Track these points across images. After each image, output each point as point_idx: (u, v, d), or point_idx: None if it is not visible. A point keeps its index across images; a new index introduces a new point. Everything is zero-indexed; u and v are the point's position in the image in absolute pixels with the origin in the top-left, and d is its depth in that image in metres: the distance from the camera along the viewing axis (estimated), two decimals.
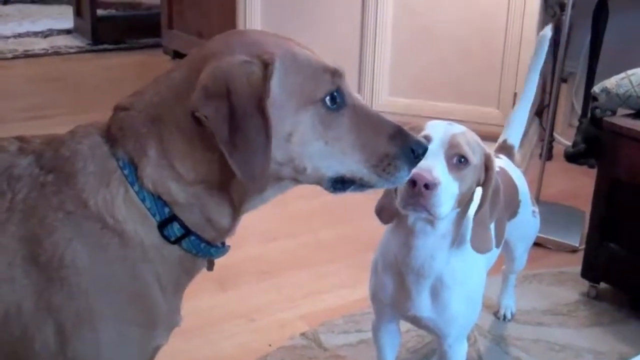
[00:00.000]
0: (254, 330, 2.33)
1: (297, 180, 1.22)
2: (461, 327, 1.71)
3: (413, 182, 1.43)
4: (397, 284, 1.65)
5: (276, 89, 1.14)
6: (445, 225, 1.56)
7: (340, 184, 1.22)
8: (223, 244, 1.28)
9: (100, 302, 1.16)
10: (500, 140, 2.12)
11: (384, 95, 3.68)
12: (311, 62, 1.19)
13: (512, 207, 1.89)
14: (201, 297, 2.36)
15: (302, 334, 2.29)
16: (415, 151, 1.23)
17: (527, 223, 2.04)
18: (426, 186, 1.43)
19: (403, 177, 1.23)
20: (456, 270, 1.61)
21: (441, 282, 1.61)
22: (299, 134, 1.16)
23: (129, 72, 5.36)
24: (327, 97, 1.17)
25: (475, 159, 1.52)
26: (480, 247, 1.59)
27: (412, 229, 1.56)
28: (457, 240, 1.60)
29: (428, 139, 1.47)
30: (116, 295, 1.18)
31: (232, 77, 1.11)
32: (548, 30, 2.12)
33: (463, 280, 1.62)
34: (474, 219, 1.58)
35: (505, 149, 2.08)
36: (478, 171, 1.55)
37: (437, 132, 1.51)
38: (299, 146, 1.16)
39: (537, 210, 2.11)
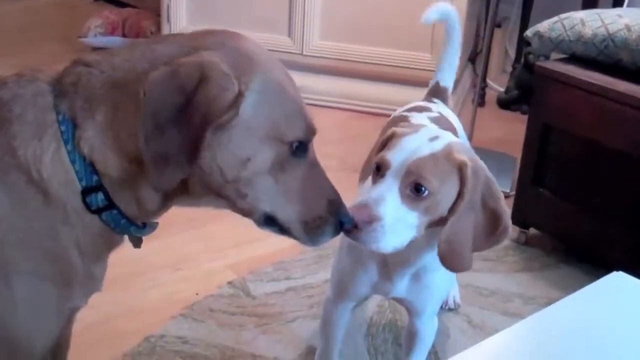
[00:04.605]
0: (181, 279, 2.28)
1: (233, 204, 1.18)
2: (436, 303, 1.67)
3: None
4: (380, 269, 1.57)
5: (249, 111, 1.10)
6: (417, 239, 1.42)
7: (270, 220, 1.21)
8: (144, 225, 1.24)
9: (16, 256, 1.11)
10: (432, 83, 2.06)
11: (314, 39, 3.61)
12: (295, 103, 1.18)
13: None
14: (125, 247, 2.27)
15: (230, 283, 2.25)
16: (343, 224, 1.25)
17: None
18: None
19: (323, 242, 1.25)
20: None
21: (424, 268, 1.54)
22: (255, 162, 1.13)
23: (48, 14, 5.13)
24: (296, 143, 1.16)
25: (443, 188, 1.36)
26: (455, 265, 1.43)
27: None
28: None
29: (387, 164, 1.38)
30: (33, 252, 1.12)
31: (207, 82, 1.06)
32: None
33: None
34: (442, 235, 1.39)
35: (439, 92, 2.02)
36: (451, 196, 1.38)
37: (400, 154, 1.37)
38: (251, 173, 1.14)
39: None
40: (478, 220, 1.40)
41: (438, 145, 1.39)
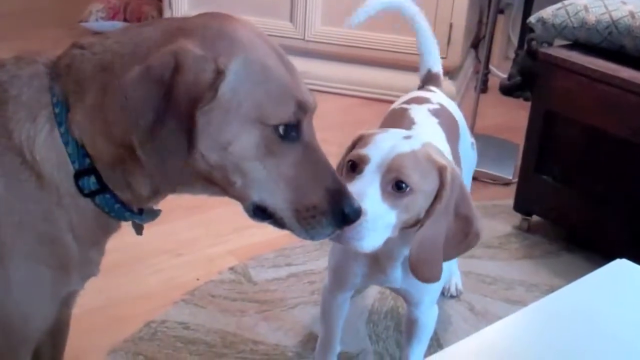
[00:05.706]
0: (182, 265, 2.28)
1: (225, 191, 1.15)
2: (433, 293, 1.66)
3: None
4: (371, 261, 1.56)
5: (227, 93, 1.06)
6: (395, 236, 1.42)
7: (260, 211, 1.16)
8: (141, 211, 1.21)
9: (11, 238, 1.10)
10: (423, 71, 2.03)
11: (316, 24, 3.59)
12: (280, 82, 1.11)
13: (453, 141, 1.82)
14: (126, 232, 2.27)
15: (231, 269, 2.25)
16: (347, 216, 1.17)
17: (466, 155, 1.97)
18: None
19: (324, 235, 1.17)
20: None
21: None
22: (238, 146, 1.09)
23: None
24: (282, 127, 1.10)
25: (423, 185, 1.36)
26: (424, 274, 1.42)
27: None
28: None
29: (365, 160, 1.36)
30: (28, 234, 1.12)
31: (182, 68, 1.03)
32: None
33: None
34: (415, 239, 1.39)
35: (433, 79, 1.99)
36: (429, 196, 1.39)
37: (379, 151, 1.37)
38: (235, 158, 1.09)
39: (474, 142, 2.06)
40: (450, 226, 1.40)
41: (416, 144, 1.39)
